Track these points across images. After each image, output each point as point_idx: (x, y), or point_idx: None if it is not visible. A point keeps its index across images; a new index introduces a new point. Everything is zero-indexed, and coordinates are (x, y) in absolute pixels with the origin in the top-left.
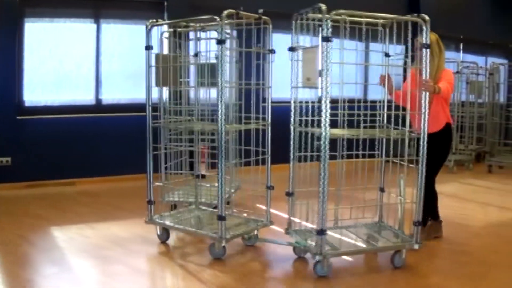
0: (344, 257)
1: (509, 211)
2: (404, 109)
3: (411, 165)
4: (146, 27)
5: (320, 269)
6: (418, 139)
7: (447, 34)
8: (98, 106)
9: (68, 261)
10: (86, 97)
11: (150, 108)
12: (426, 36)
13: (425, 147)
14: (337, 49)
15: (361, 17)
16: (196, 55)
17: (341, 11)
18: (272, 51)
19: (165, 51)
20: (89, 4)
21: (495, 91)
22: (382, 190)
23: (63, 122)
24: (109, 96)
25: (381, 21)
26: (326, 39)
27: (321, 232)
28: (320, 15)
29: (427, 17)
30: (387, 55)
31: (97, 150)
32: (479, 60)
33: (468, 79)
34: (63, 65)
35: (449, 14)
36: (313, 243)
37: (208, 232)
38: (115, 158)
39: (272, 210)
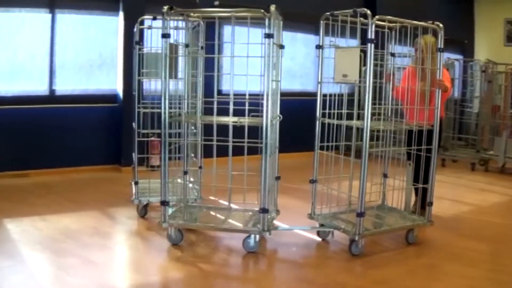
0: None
1: (461, 204)
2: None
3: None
4: (163, 14)
5: (355, 248)
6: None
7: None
8: (52, 97)
9: (22, 254)
10: (40, 88)
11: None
12: (441, 41)
13: (436, 138)
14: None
15: (392, 21)
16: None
17: (385, 16)
18: (282, 47)
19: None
20: None
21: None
22: (385, 176)
23: (17, 113)
24: (63, 87)
25: (392, 24)
26: (371, 41)
27: (360, 214)
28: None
29: (441, 25)
30: (392, 55)
31: (50, 142)
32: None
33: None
34: (17, 55)
35: (403, 9)
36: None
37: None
38: (69, 150)
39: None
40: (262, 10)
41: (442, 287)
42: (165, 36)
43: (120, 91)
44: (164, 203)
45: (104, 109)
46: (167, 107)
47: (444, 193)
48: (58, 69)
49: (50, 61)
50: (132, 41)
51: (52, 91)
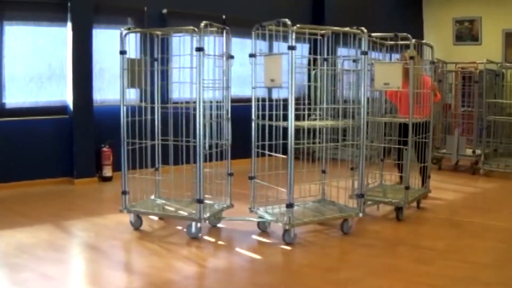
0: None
1: (415, 203)
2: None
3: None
4: (121, 34)
5: (288, 237)
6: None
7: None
8: (1, 110)
9: None
10: None
11: (125, 107)
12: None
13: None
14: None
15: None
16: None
17: (305, 25)
18: (232, 57)
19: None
20: None
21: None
22: (324, 172)
23: None
24: (12, 100)
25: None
26: (292, 47)
27: (290, 205)
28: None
29: (365, 30)
30: (325, 59)
31: (0, 156)
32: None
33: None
34: None
35: (353, 11)
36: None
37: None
38: (20, 163)
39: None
40: (194, 28)
41: (398, 285)
42: (122, 52)
43: (70, 102)
44: (124, 192)
45: (54, 121)
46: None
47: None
48: (7, 81)
49: None
50: (80, 51)
51: (1, 104)
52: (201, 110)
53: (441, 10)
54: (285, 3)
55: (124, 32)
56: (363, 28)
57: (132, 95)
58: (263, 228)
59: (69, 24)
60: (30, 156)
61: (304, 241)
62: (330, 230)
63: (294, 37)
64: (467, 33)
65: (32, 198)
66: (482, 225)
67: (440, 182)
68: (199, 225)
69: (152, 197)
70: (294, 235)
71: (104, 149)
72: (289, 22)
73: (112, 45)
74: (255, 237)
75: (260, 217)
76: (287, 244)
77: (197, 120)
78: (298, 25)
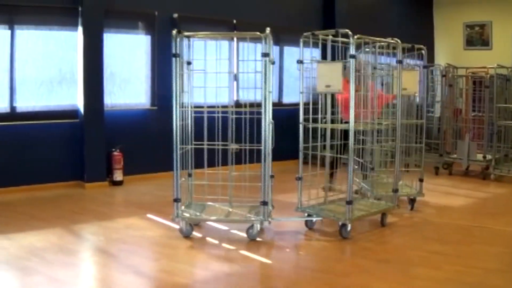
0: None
1: (426, 208)
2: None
3: None
4: (174, 36)
5: (345, 232)
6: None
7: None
8: (13, 114)
9: None
10: (0, 105)
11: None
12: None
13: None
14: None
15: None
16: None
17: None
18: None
19: None
20: (2, 10)
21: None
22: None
23: None
24: (23, 104)
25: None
26: (353, 56)
27: (349, 202)
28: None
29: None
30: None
31: (12, 159)
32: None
33: (383, 81)
34: None
35: (364, 16)
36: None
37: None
38: (31, 167)
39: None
40: (260, 33)
41: None
42: (175, 55)
43: (80, 106)
44: (176, 200)
45: (65, 125)
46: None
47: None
48: (18, 85)
49: (10, 77)
50: (91, 56)
51: (12, 108)
52: (268, 113)
53: (452, 15)
54: (296, 8)
55: (177, 35)
56: (397, 39)
57: (143, 99)
58: (310, 226)
59: (80, 29)
60: (40, 160)
61: (315, 246)
62: (339, 236)
63: (354, 47)
64: (477, 37)
65: (42, 202)
66: (492, 230)
67: (451, 187)
68: (259, 227)
69: (186, 203)
70: (349, 230)
71: (115, 153)
72: (350, 33)
73: (123, 49)
74: (269, 241)
75: (311, 215)
76: (344, 238)
77: (262, 123)
78: (357, 35)
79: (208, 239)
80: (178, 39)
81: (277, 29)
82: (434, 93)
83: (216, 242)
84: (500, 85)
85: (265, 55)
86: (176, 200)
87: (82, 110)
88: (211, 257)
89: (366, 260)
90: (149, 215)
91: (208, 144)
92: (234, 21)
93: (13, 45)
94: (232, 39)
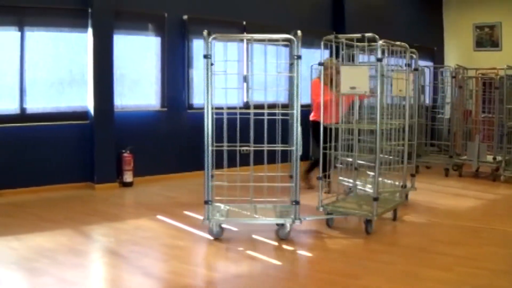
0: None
1: (436, 209)
2: None
3: None
4: (206, 38)
5: (370, 227)
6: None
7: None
8: (23, 115)
9: None
10: (10, 106)
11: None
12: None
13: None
14: None
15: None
16: None
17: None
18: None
19: None
20: (12, 12)
21: (420, 93)
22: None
23: None
24: (33, 105)
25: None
26: (379, 59)
27: (375, 199)
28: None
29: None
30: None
31: (22, 160)
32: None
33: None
34: None
35: (373, 18)
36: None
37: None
38: (41, 168)
39: None
40: (290, 36)
41: None
42: (206, 57)
43: (91, 107)
44: (207, 202)
45: (75, 127)
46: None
47: (418, 199)
48: (28, 87)
49: (20, 79)
50: (101, 57)
51: (23, 109)
52: (298, 115)
53: (461, 16)
54: (306, 9)
55: (210, 38)
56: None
57: (153, 100)
58: (331, 224)
59: (90, 30)
60: (51, 161)
61: (324, 247)
62: (349, 237)
63: (380, 50)
64: (487, 38)
65: (52, 203)
66: (502, 232)
67: (461, 189)
68: (290, 226)
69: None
70: (373, 226)
71: (125, 154)
72: (377, 36)
73: (133, 51)
74: (279, 242)
75: (331, 213)
76: (368, 233)
77: (294, 125)
78: (383, 40)
79: (217, 240)
80: (209, 41)
81: (287, 31)
82: (444, 95)
83: (225, 243)
84: (510, 86)
85: (297, 57)
86: (207, 202)
87: (92, 111)
88: (220, 258)
89: (375, 262)
90: (159, 217)
91: (231, 146)
92: (244, 23)
93: (23, 46)
94: (264, 41)
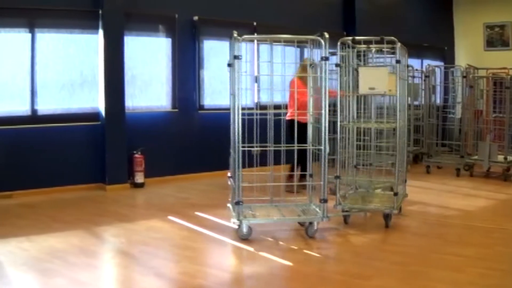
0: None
1: (447, 210)
2: None
3: None
4: (235, 39)
5: (389, 221)
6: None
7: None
8: (34, 117)
9: (8, 275)
10: (22, 108)
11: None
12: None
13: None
14: None
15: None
16: None
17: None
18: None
19: None
20: (23, 14)
21: (431, 93)
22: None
23: None
24: (44, 107)
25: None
26: (398, 61)
27: (396, 194)
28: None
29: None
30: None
31: (34, 162)
32: (415, 63)
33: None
34: None
35: (384, 18)
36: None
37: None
38: (53, 169)
39: None
40: (316, 37)
41: None
42: (236, 57)
43: (102, 109)
44: (238, 203)
45: (87, 128)
46: None
47: (429, 200)
48: (39, 88)
49: (31, 81)
50: (112, 58)
51: (34, 111)
52: (327, 115)
53: (472, 15)
54: (316, 11)
55: (240, 38)
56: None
57: (164, 102)
58: (348, 220)
59: (101, 32)
60: (62, 162)
61: (335, 248)
62: (360, 236)
63: (398, 52)
64: (497, 38)
65: (64, 204)
66: None
67: (472, 189)
68: (316, 224)
69: (229, 205)
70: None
71: (136, 155)
72: (395, 39)
73: (143, 52)
74: (289, 242)
75: (346, 210)
76: (387, 227)
77: (322, 124)
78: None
79: (229, 240)
80: (237, 42)
81: (297, 31)
82: (455, 95)
83: (237, 243)
84: None
85: (325, 58)
86: (238, 203)
87: (103, 112)
88: (232, 259)
89: (386, 263)
90: (170, 217)
91: (261, 146)
92: (255, 23)
93: (34, 48)
94: (293, 42)
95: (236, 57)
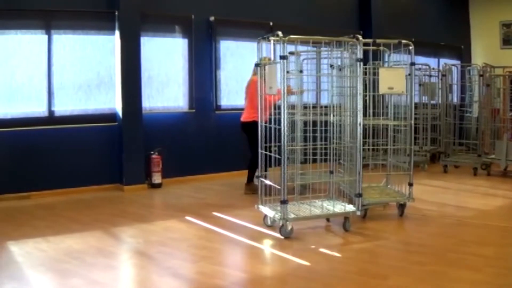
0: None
1: (464, 209)
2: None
3: None
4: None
5: (403, 211)
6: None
7: (399, 37)
8: (51, 118)
9: (26, 276)
10: (39, 109)
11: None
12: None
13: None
14: None
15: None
16: None
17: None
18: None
19: None
20: (39, 15)
21: (448, 92)
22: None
23: (16, 135)
24: (61, 108)
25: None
26: (413, 64)
27: (411, 184)
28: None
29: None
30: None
31: (51, 163)
32: (432, 61)
33: (421, 80)
34: (15, 77)
35: (400, 17)
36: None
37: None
38: (70, 170)
39: None
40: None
41: None
42: (283, 57)
43: (119, 110)
44: (284, 202)
45: (104, 129)
46: None
47: (447, 199)
48: (56, 90)
49: (48, 82)
50: (129, 59)
51: (51, 112)
52: (360, 114)
53: (488, 14)
54: (333, 10)
55: (285, 39)
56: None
57: (180, 102)
58: (363, 214)
59: (117, 33)
60: (79, 163)
61: (352, 247)
62: (377, 236)
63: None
64: None
65: (81, 205)
66: None
67: (489, 188)
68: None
69: (260, 206)
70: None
71: (154, 156)
72: (410, 42)
73: (160, 52)
74: (306, 241)
75: (372, 204)
76: (401, 216)
77: (358, 122)
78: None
79: (245, 240)
80: (282, 42)
81: (314, 31)
82: (471, 93)
83: (253, 243)
84: None
85: (359, 60)
86: (284, 202)
87: (120, 113)
88: (248, 259)
89: (404, 262)
90: (187, 218)
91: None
92: (271, 23)
93: (50, 50)
94: (329, 43)
95: (282, 57)
